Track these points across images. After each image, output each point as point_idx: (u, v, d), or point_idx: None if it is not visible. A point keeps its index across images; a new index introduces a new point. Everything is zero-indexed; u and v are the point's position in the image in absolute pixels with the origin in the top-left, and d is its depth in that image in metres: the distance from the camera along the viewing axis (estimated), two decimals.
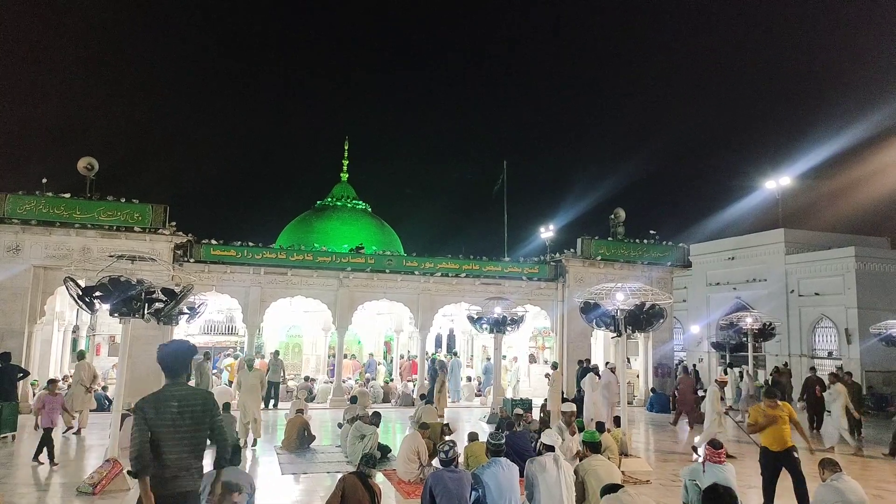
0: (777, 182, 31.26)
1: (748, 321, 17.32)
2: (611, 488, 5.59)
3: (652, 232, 22.82)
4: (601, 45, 72.75)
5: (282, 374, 18.80)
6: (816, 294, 26.65)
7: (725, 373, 19.27)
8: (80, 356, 15.13)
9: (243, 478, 5.98)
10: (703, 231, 34.15)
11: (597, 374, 15.69)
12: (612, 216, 22.55)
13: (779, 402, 8.18)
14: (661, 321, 11.66)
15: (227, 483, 4.98)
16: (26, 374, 14.62)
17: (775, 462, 8.08)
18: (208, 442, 4.60)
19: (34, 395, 16.54)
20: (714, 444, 6.86)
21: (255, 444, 12.58)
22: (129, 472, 7.11)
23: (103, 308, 9.15)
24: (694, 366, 25.30)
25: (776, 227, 30.20)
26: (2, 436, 12.24)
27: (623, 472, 8.08)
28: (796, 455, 8.03)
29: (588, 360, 18.57)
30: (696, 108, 67.45)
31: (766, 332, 17.46)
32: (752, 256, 30.44)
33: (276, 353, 19.30)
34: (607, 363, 17.92)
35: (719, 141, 66.54)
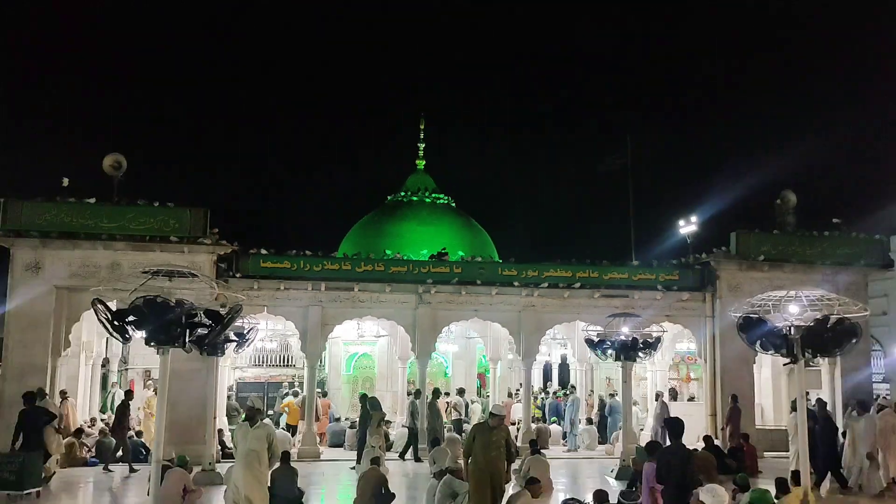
0: None
1: None
2: None
3: (836, 221, 18.41)
4: None
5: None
6: None
7: None
8: (63, 395, 14.68)
9: None
10: None
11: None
12: (779, 201, 18.13)
13: None
14: (854, 341, 8.96)
15: None
16: (53, 417, 12.88)
17: None
18: None
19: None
20: None
21: None
22: None
23: (137, 336, 7.63)
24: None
25: None
26: (25, 492, 10.76)
27: None
28: None
29: (735, 397, 16.10)
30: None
31: None
32: None
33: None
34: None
35: None
